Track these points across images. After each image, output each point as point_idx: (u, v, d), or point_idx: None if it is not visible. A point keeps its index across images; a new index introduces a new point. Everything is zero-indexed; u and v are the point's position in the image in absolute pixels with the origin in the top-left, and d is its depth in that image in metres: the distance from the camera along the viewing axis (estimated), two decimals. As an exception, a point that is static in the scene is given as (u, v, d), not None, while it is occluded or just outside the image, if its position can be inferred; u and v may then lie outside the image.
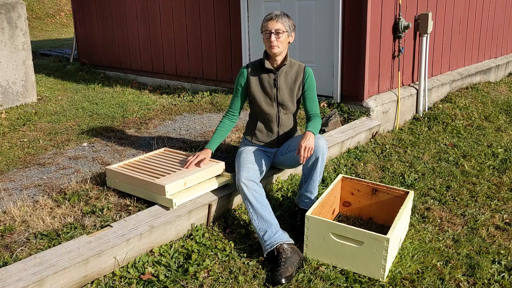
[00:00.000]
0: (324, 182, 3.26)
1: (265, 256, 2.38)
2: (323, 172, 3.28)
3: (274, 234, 2.39)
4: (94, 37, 6.95)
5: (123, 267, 2.24)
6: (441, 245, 2.58)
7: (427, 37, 4.80)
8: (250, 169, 2.60)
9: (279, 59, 2.77)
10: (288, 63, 2.80)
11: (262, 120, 2.89)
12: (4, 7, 4.74)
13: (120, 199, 2.68)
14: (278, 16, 2.65)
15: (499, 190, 3.28)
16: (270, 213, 2.48)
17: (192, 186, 2.69)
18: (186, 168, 2.76)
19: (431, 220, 2.85)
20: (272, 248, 2.35)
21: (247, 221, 2.74)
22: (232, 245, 2.50)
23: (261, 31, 2.71)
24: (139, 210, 2.54)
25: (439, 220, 2.86)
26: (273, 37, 2.64)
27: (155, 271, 2.24)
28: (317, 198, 2.70)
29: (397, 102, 4.58)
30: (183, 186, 2.63)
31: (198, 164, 2.79)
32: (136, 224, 2.36)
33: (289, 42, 2.75)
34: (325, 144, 2.62)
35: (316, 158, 2.59)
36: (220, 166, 2.84)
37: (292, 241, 2.41)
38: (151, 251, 2.38)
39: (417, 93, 4.90)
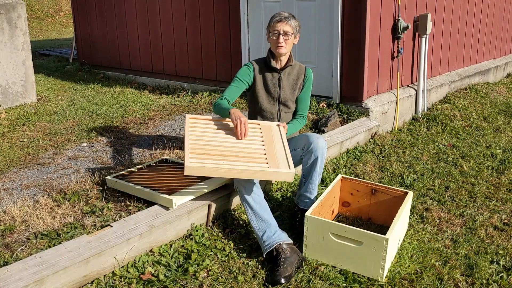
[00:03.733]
0: (324, 182, 3.27)
1: (264, 256, 2.39)
2: (323, 172, 3.28)
3: (273, 234, 2.40)
4: (93, 37, 6.95)
5: (123, 266, 2.25)
6: (440, 245, 2.59)
7: (426, 38, 4.81)
8: (250, 169, 2.61)
9: (284, 59, 2.83)
10: (292, 64, 2.86)
11: (262, 119, 2.90)
12: (4, 7, 4.75)
13: (120, 199, 2.68)
14: (287, 18, 2.72)
15: (497, 191, 3.29)
16: (269, 214, 2.49)
17: (192, 185, 2.69)
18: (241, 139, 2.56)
19: (430, 220, 2.86)
20: (271, 248, 2.36)
21: (246, 221, 2.74)
22: (232, 245, 2.51)
23: (268, 31, 2.76)
24: (139, 210, 2.55)
25: (437, 221, 2.87)
26: (281, 38, 2.71)
27: (155, 270, 2.25)
28: (316, 198, 2.71)
29: (396, 102, 4.59)
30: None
31: (245, 132, 2.57)
32: (136, 224, 2.37)
33: (293, 43, 2.80)
34: (324, 144, 2.63)
35: (316, 158, 2.60)
36: (291, 174, 2.36)
37: (291, 241, 2.42)
38: (151, 251, 2.38)
39: (416, 93, 4.91)
